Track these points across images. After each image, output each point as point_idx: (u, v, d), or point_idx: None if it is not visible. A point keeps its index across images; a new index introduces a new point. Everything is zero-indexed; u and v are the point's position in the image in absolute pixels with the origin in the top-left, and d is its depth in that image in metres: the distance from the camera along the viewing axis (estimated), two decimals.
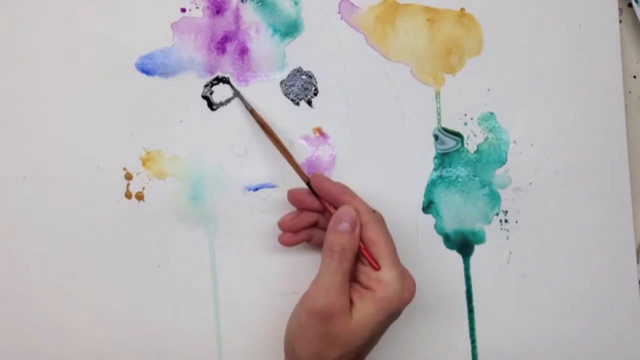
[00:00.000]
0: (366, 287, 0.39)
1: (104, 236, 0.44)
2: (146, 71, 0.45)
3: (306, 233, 0.43)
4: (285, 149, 0.43)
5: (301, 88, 0.45)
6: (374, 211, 0.41)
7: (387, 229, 0.41)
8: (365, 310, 0.38)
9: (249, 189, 0.45)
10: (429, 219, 0.46)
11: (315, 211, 0.43)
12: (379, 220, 0.40)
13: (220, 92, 0.45)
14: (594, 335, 0.47)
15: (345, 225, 0.39)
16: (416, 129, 0.46)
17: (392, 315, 0.39)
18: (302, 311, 0.38)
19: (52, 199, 0.44)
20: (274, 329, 0.45)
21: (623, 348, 0.47)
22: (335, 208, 0.40)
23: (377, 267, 0.39)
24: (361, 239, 0.39)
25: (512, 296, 0.46)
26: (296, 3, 0.45)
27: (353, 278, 0.40)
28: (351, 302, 0.38)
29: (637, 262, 0.47)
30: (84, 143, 0.45)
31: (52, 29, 0.44)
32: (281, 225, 0.42)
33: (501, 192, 0.46)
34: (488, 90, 0.46)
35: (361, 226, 0.40)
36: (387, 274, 0.38)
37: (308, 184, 0.42)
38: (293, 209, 0.43)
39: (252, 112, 0.43)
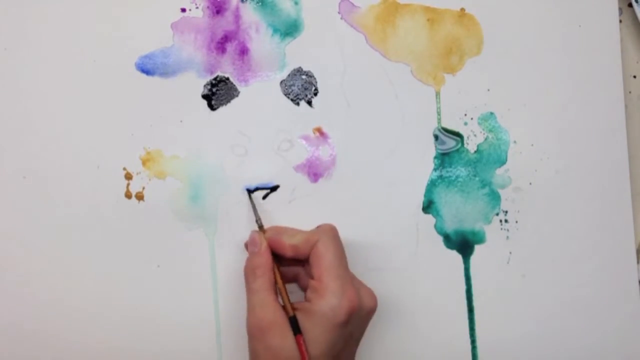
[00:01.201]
0: (308, 301, 0.39)
1: (104, 236, 0.44)
2: (146, 71, 0.45)
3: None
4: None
5: (301, 88, 0.45)
6: (319, 226, 0.42)
7: (338, 240, 0.41)
8: (306, 323, 0.38)
9: (249, 189, 0.45)
10: (429, 219, 0.46)
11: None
12: (328, 231, 0.41)
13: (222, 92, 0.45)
14: (594, 335, 0.47)
15: (251, 249, 0.41)
16: (416, 129, 0.46)
17: (334, 327, 0.38)
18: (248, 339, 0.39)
19: (52, 199, 0.44)
20: None
21: (623, 348, 0.47)
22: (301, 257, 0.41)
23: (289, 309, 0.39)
24: (311, 254, 0.40)
25: (512, 296, 0.46)
26: (296, 3, 0.45)
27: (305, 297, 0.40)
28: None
29: (637, 262, 0.47)
30: (84, 143, 0.45)
31: (51, 28, 0.44)
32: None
33: (501, 192, 0.46)
34: (488, 90, 0.46)
35: (314, 244, 0.40)
36: (326, 286, 0.38)
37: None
38: (292, 208, 0.44)
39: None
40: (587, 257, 0.47)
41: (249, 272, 0.40)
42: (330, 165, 0.45)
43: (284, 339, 0.37)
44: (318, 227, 0.42)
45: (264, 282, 0.39)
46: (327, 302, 0.38)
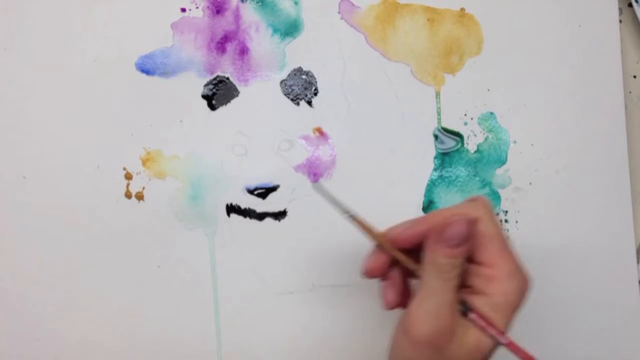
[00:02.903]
0: (479, 293, 0.33)
1: (104, 236, 0.44)
2: (146, 71, 0.45)
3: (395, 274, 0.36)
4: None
5: (301, 88, 0.45)
6: (471, 199, 0.35)
7: (494, 213, 0.35)
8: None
9: (249, 189, 0.45)
10: None
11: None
12: (486, 205, 0.34)
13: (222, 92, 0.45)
14: (594, 335, 0.47)
15: (455, 241, 0.32)
16: (416, 128, 0.46)
17: (513, 312, 0.34)
18: (407, 344, 0.32)
19: (52, 199, 0.44)
20: (274, 329, 0.45)
21: (623, 348, 0.47)
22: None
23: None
24: (476, 236, 0.33)
25: None
26: (296, 3, 0.45)
27: (461, 284, 0.33)
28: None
29: (637, 262, 0.47)
30: (83, 143, 0.44)
31: (52, 28, 0.44)
32: (368, 272, 0.35)
33: (501, 192, 0.46)
34: (488, 90, 0.46)
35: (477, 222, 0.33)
36: (503, 272, 0.33)
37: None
38: (292, 208, 0.44)
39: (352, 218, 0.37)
40: (587, 257, 0.47)
41: (449, 270, 0.32)
42: (330, 165, 0.45)
43: (462, 348, 0.32)
44: (470, 200, 0.35)
45: (458, 281, 0.33)
46: (509, 286, 0.33)
